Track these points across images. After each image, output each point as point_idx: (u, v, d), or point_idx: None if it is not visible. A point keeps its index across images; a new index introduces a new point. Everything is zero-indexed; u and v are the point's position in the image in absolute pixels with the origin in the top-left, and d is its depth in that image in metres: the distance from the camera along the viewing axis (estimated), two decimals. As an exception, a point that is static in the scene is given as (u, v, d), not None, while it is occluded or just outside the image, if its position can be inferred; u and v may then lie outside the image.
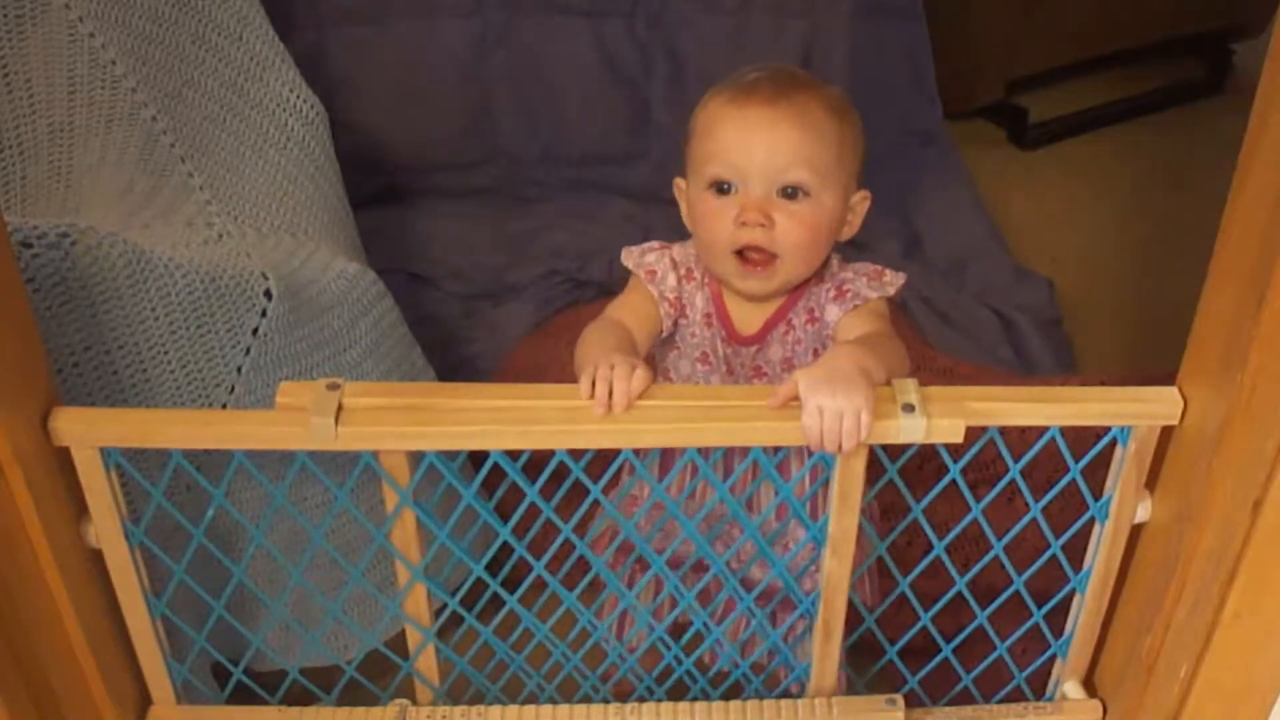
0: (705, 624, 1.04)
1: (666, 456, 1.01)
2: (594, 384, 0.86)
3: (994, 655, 1.06)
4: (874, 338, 0.94)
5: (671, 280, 1.02)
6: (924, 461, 0.96)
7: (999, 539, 0.97)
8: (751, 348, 1.02)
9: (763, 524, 0.98)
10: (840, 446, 0.84)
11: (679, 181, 1.03)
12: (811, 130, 0.95)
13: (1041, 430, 0.90)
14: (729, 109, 0.96)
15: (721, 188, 0.96)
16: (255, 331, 1.02)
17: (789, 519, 0.99)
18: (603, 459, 0.91)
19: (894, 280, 1.01)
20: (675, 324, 1.03)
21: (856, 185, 1.00)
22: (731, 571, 1.00)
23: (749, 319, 1.02)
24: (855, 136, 0.99)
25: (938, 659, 1.06)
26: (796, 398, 0.85)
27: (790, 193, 0.95)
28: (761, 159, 0.94)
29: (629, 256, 1.05)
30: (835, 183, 0.97)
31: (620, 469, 0.92)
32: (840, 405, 0.83)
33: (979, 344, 1.69)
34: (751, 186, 0.95)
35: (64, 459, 0.88)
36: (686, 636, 1.07)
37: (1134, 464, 0.92)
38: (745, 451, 0.92)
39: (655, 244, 1.05)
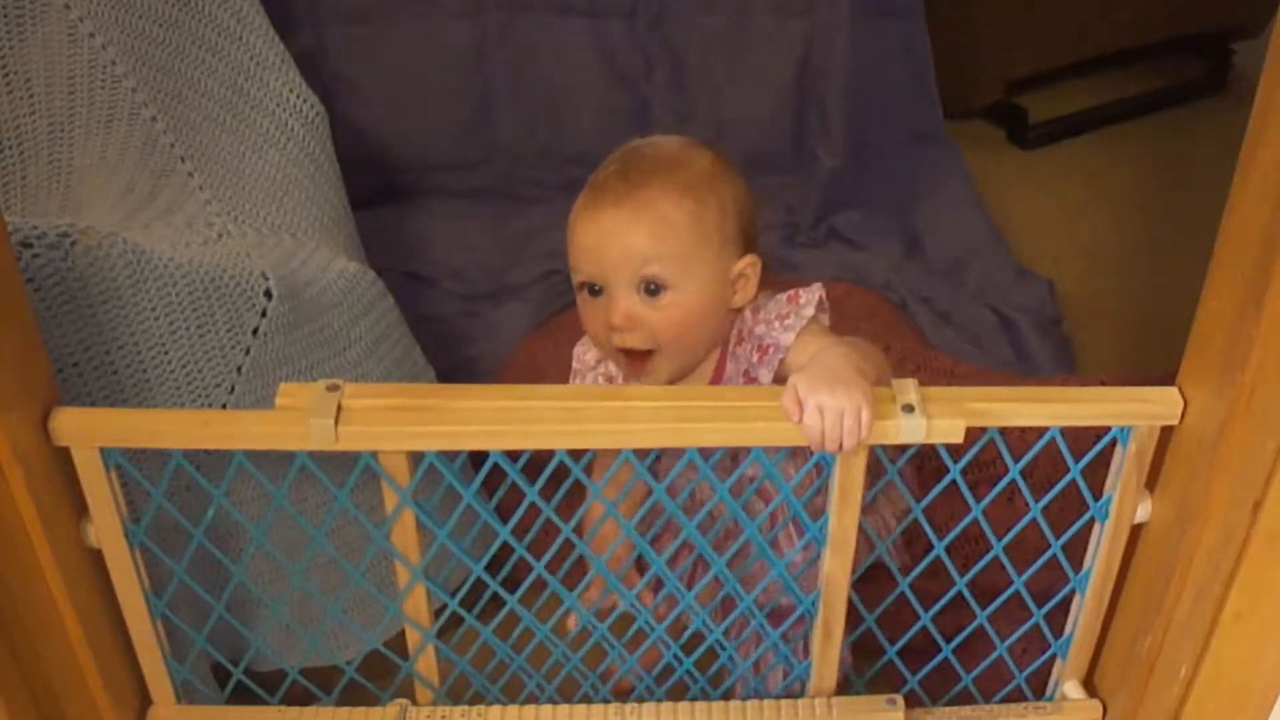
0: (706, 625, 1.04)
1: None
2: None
3: (994, 655, 1.06)
4: (844, 343, 0.93)
5: (590, 358, 1.05)
6: (924, 462, 0.96)
7: (999, 539, 0.97)
8: None
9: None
10: (841, 445, 0.84)
11: None
12: (659, 224, 0.93)
13: (1041, 430, 0.90)
14: (584, 214, 0.96)
15: (592, 289, 0.96)
16: (255, 331, 1.02)
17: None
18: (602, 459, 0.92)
19: (809, 297, 0.98)
20: None
21: (742, 251, 0.98)
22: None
23: None
24: (723, 208, 0.96)
25: (938, 659, 1.06)
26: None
27: (652, 289, 0.94)
28: (614, 263, 0.94)
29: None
30: (698, 267, 0.94)
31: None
32: (840, 404, 0.83)
33: (979, 344, 1.69)
34: (614, 290, 0.95)
35: (64, 459, 0.88)
36: (685, 636, 1.07)
37: (1134, 464, 0.92)
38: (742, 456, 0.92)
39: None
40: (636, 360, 0.97)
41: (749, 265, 0.98)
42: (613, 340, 0.96)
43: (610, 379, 1.04)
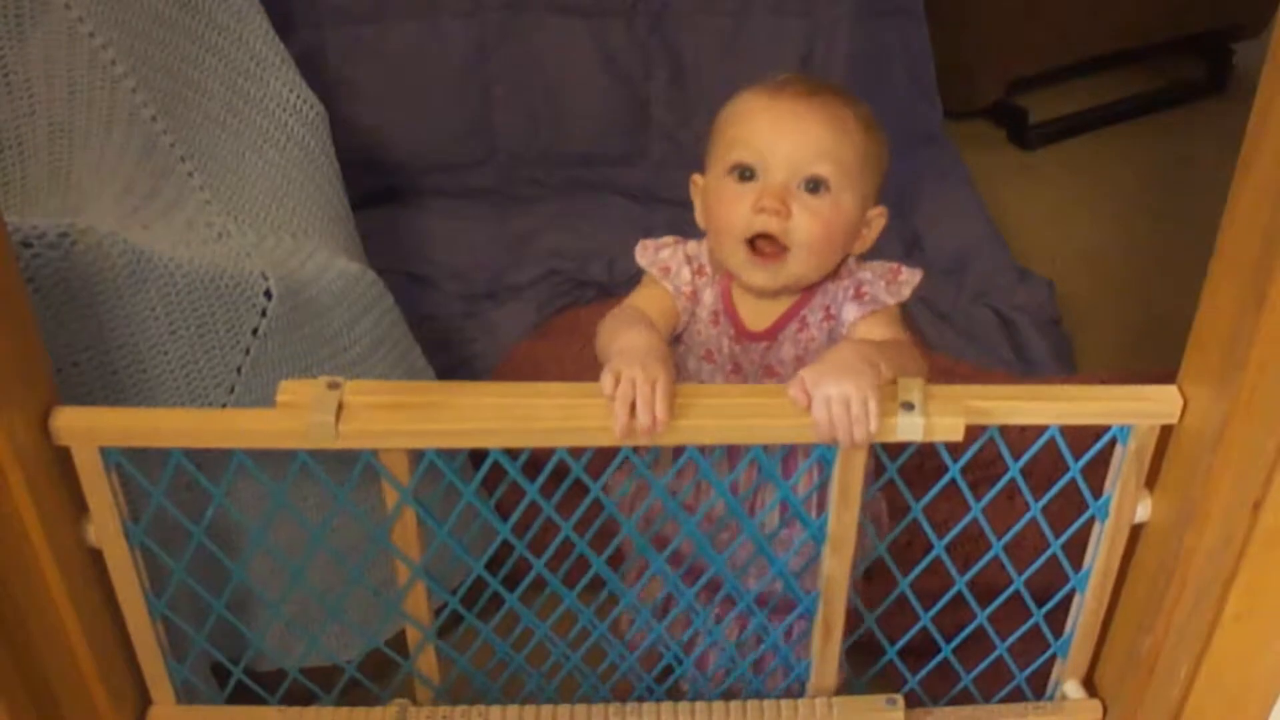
0: (703, 625, 1.04)
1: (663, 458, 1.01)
2: (617, 384, 0.85)
3: (994, 655, 1.06)
4: (887, 344, 0.94)
5: (686, 274, 1.01)
6: (924, 460, 0.96)
7: (999, 538, 0.97)
8: (761, 345, 1.00)
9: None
10: (852, 436, 0.84)
11: (696, 178, 1.02)
12: (840, 130, 0.95)
13: (1041, 429, 0.90)
14: (761, 100, 0.97)
15: (743, 174, 0.95)
16: (255, 331, 1.02)
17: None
18: (602, 456, 0.91)
19: (910, 279, 1.00)
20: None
21: (875, 200, 1.00)
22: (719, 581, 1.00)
23: (760, 316, 1.00)
24: (879, 152, 0.99)
25: (938, 659, 1.06)
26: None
27: (812, 186, 0.94)
28: (788, 148, 0.94)
29: (643, 254, 1.03)
30: (856, 186, 0.96)
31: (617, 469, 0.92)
32: (846, 392, 0.83)
33: (979, 344, 1.68)
34: (773, 174, 0.94)
35: (64, 459, 0.88)
36: (685, 637, 1.07)
37: (1134, 463, 0.92)
38: (742, 452, 0.92)
39: (669, 239, 1.04)
40: (766, 255, 0.95)
41: (880, 214, 1.00)
42: (755, 224, 0.94)
43: (692, 292, 1.01)
